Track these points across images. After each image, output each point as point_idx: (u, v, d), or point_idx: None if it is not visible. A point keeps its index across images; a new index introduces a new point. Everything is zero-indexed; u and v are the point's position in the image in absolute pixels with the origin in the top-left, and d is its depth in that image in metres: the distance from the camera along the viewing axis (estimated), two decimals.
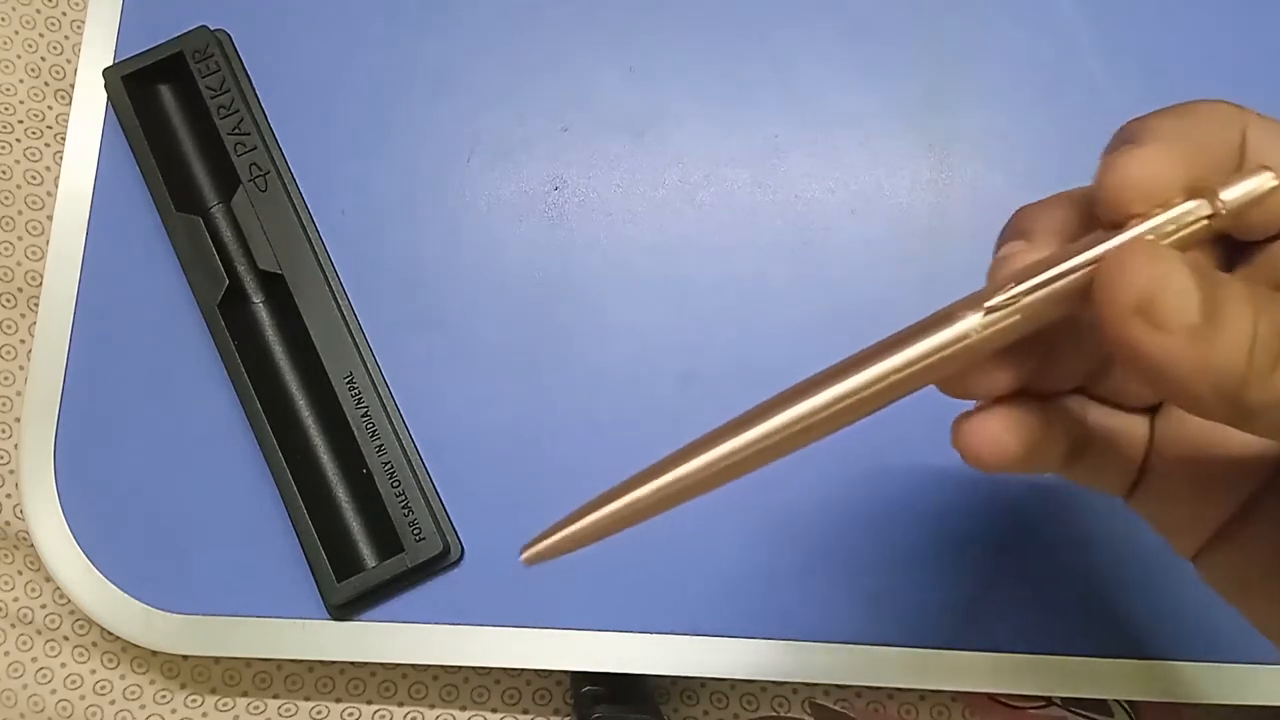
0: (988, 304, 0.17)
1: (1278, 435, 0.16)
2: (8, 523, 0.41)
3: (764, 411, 0.18)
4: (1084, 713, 0.39)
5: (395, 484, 0.35)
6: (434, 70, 0.38)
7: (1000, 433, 0.19)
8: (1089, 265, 0.17)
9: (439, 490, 0.36)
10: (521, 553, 0.18)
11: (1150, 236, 0.17)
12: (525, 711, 0.41)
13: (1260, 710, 0.35)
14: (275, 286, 0.37)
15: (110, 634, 0.37)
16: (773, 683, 0.41)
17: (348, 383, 0.35)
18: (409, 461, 0.35)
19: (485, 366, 0.36)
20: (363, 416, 0.35)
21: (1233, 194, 0.17)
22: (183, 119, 0.39)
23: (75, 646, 0.40)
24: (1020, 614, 0.35)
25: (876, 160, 0.37)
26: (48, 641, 0.40)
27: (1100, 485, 0.22)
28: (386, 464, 0.35)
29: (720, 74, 0.38)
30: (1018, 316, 0.17)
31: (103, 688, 0.39)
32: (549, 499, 0.35)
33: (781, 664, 0.34)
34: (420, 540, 0.34)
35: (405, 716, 0.40)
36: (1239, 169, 0.17)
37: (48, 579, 0.40)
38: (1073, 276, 0.17)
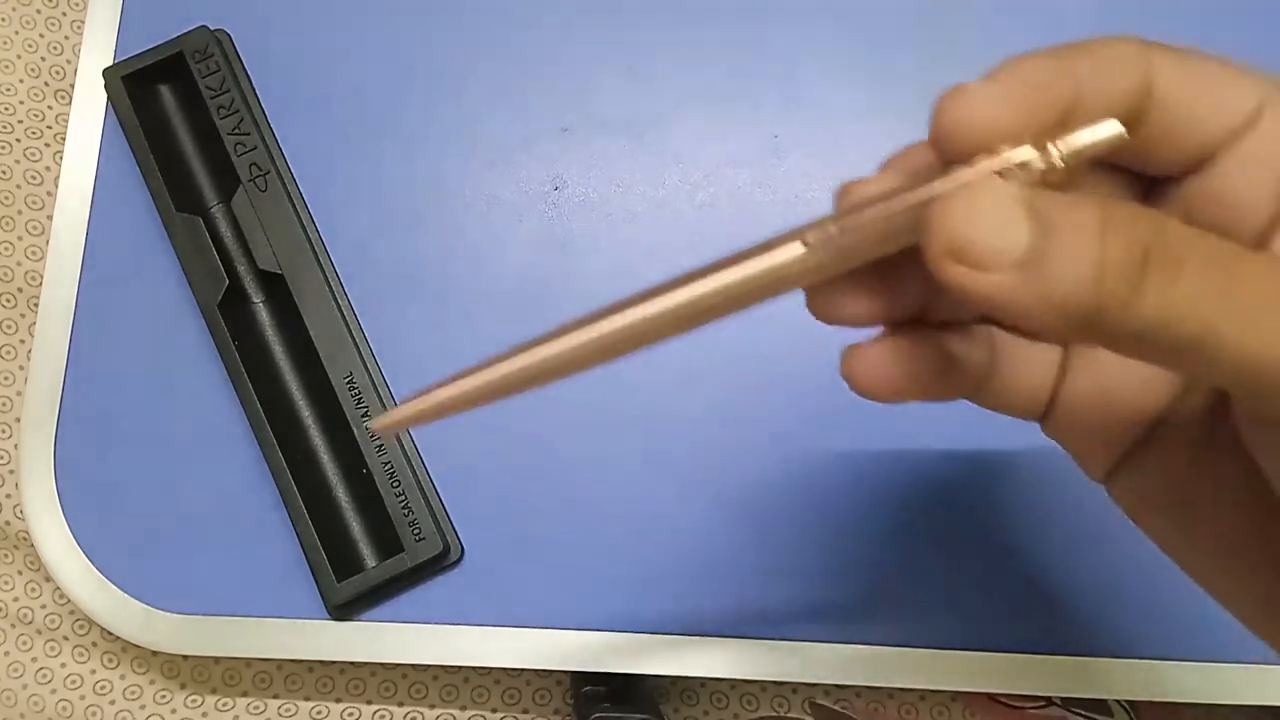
0: (805, 238, 0.17)
1: (1157, 359, 0.15)
2: (8, 523, 0.41)
3: (593, 319, 0.19)
4: (1084, 713, 0.39)
5: (395, 484, 0.35)
6: (434, 70, 0.38)
7: (883, 362, 0.19)
8: (910, 205, 0.16)
9: (439, 490, 0.36)
10: (370, 423, 0.18)
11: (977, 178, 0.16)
12: (525, 711, 0.41)
13: (1260, 710, 0.35)
14: (275, 286, 0.37)
15: (110, 634, 0.37)
16: (773, 683, 0.41)
17: (348, 383, 0.35)
18: (409, 461, 0.35)
19: None
20: (363, 416, 0.35)
21: (1072, 144, 0.16)
22: (183, 119, 0.39)
23: (75, 646, 0.40)
24: (1020, 614, 0.35)
25: (876, 160, 0.37)
26: (48, 641, 0.40)
27: (1012, 411, 0.21)
28: (386, 464, 0.35)
29: (720, 74, 0.38)
30: (836, 250, 0.17)
31: (103, 688, 0.39)
32: (549, 499, 0.35)
33: (781, 664, 0.34)
34: (420, 540, 0.34)
35: (405, 716, 0.40)
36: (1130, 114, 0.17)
37: (48, 579, 0.40)
38: (892, 214, 0.16)
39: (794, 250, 0.17)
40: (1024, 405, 0.21)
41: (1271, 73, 0.17)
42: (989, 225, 0.15)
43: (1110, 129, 0.16)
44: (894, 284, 0.19)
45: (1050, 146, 0.16)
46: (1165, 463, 0.20)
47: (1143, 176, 0.18)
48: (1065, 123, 0.16)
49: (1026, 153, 0.16)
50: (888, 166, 0.19)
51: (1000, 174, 0.16)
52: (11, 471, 0.41)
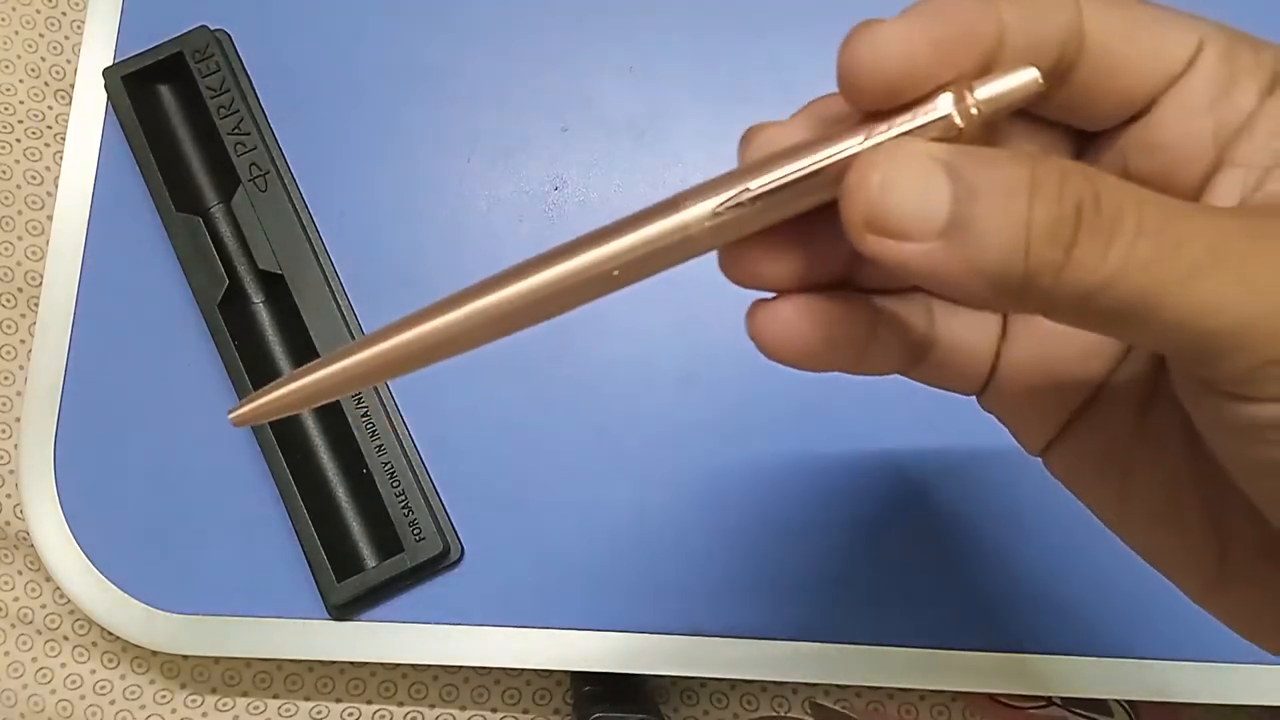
0: (710, 198, 0.15)
1: (1093, 326, 0.14)
2: (8, 523, 0.41)
3: (465, 296, 0.17)
4: (1084, 713, 0.39)
5: (395, 484, 0.35)
6: (434, 70, 0.38)
7: (796, 321, 0.17)
8: (822, 165, 0.15)
9: (439, 490, 0.36)
10: (230, 414, 0.17)
11: (893, 134, 0.15)
12: (525, 711, 0.41)
13: (1260, 710, 0.35)
14: (275, 286, 0.37)
15: (110, 634, 0.37)
16: (773, 683, 0.41)
17: None
18: (409, 461, 0.35)
19: (485, 366, 0.36)
20: (363, 416, 0.35)
21: (988, 93, 0.15)
22: (183, 119, 0.39)
23: (75, 646, 0.40)
24: (1020, 614, 0.35)
25: None
26: (48, 641, 0.40)
27: (947, 386, 0.20)
28: (386, 464, 0.35)
29: (720, 74, 0.38)
30: (744, 212, 0.15)
31: (103, 688, 0.39)
32: (549, 499, 0.35)
33: (781, 664, 0.34)
34: (420, 540, 0.34)
35: (405, 716, 0.40)
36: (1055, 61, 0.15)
37: (48, 579, 0.40)
38: (804, 172, 0.15)
39: (700, 210, 0.15)
40: (963, 379, 0.20)
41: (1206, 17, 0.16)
42: (907, 192, 0.14)
43: (1026, 76, 0.15)
44: (815, 242, 0.17)
45: (968, 95, 0.15)
46: (1104, 430, 0.19)
47: (1075, 132, 0.17)
48: (986, 70, 0.15)
49: (945, 104, 0.15)
50: (800, 114, 0.18)
51: (917, 131, 0.15)
52: (11, 471, 0.41)
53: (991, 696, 0.40)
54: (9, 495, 0.41)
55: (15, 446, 0.41)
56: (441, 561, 0.35)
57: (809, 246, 0.17)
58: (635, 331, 0.36)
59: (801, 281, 0.17)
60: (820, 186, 0.15)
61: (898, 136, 0.15)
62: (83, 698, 0.39)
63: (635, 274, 0.16)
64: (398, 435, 0.35)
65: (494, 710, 0.40)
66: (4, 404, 0.41)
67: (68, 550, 0.36)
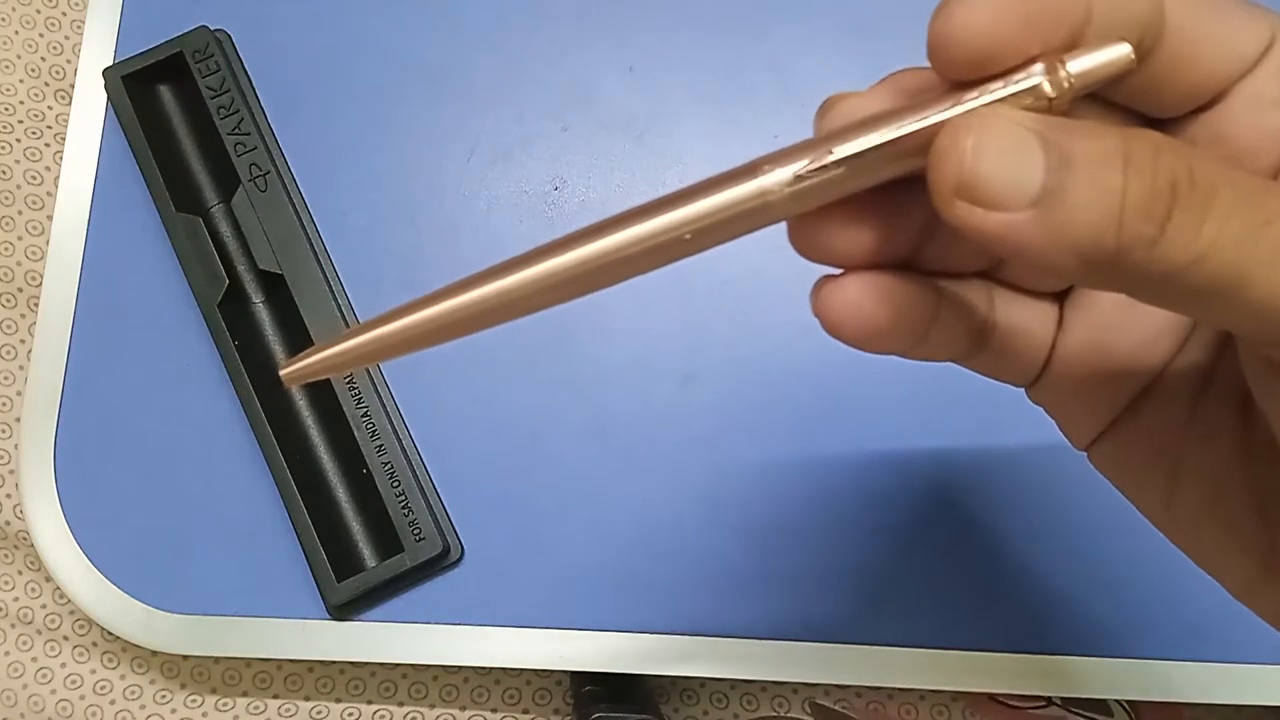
0: (796, 170, 0.15)
1: (1178, 305, 0.14)
2: (8, 523, 0.41)
3: (535, 256, 0.16)
4: (1084, 713, 0.39)
5: (395, 484, 0.35)
6: (434, 70, 0.38)
7: (864, 298, 0.17)
8: (911, 132, 0.15)
9: (439, 490, 0.36)
10: (281, 370, 0.16)
11: (985, 101, 0.15)
12: (525, 711, 0.41)
13: (1260, 710, 0.35)
14: (275, 286, 0.37)
15: (110, 634, 0.37)
16: (773, 683, 0.41)
17: (348, 383, 0.35)
18: (409, 461, 0.35)
19: (485, 366, 0.36)
20: (363, 416, 0.35)
21: (1082, 65, 0.14)
22: (183, 119, 0.39)
23: (75, 646, 0.40)
24: (1020, 614, 0.35)
25: None
26: (48, 641, 0.40)
27: (1002, 376, 0.20)
28: (386, 464, 0.35)
29: (720, 74, 0.38)
30: (825, 180, 0.15)
31: (103, 688, 0.39)
32: (549, 499, 0.35)
33: (781, 664, 0.34)
34: (420, 540, 0.34)
35: (405, 716, 0.40)
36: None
37: (48, 579, 0.40)
38: (890, 141, 0.15)
39: (781, 175, 0.15)
40: (1018, 369, 0.20)
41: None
42: (1000, 158, 0.13)
43: (1119, 51, 0.14)
44: (886, 218, 0.17)
45: (1059, 68, 0.14)
46: (1155, 422, 0.19)
47: (1138, 118, 0.17)
48: (1073, 44, 0.15)
49: (1037, 74, 0.14)
50: (881, 85, 0.17)
51: (1008, 100, 0.15)
52: (11, 471, 0.41)
53: (991, 696, 0.40)
54: (9, 495, 0.41)
55: (15, 446, 0.41)
56: (441, 561, 0.35)
57: (880, 222, 0.17)
58: (635, 331, 0.36)
59: (870, 258, 0.17)
60: (906, 154, 0.15)
61: (990, 104, 0.15)
62: (83, 698, 0.39)
63: (709, 240, 0.15)
64: (398, 435, 0.35)
65: (494, 710, 0.40)
66: (4, 404, 0.41)
67: (68, 550, 0.36)
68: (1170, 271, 0.13)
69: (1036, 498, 0.35)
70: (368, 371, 0.36)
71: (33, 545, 0.37)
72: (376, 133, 0.38)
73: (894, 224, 0.17)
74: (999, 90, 0.15)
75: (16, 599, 0.40)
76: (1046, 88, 0.14)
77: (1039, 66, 0.14)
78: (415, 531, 0.34)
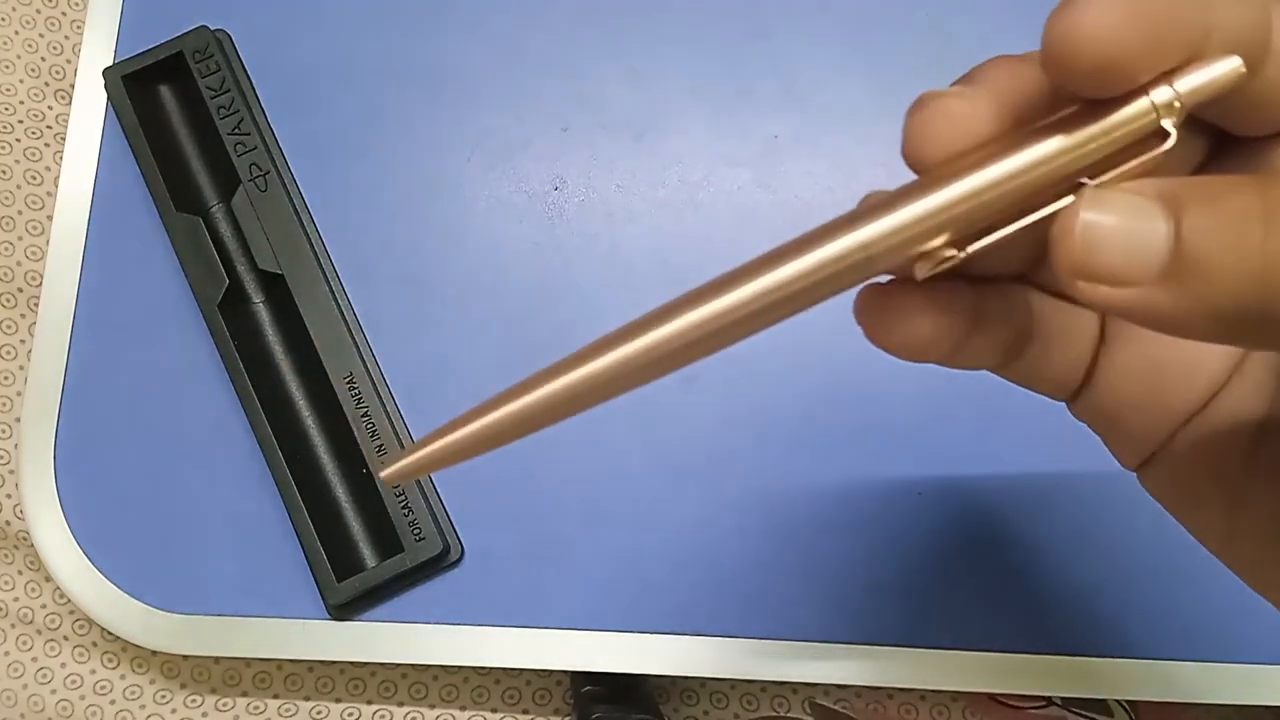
0: (922, 269, 0.14)
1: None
2: (8, 523, 0.41)
3: (628, 334, 0.16)
4: (1084, 713, 0.39)
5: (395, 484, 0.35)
6: (434, 70, 0.38)
7: (904, 307, 0.16)
8: (1022, 224, 0.14)
9: (439, 490, 0.36)
10: (381, 472, 0.16)
11: (1092, 184, 0.14)
12: (525, 711, 0.41)
13: (1260, 710, 0.35)
14: (275, 286, 0.37)
15: (110, 634, 0.37)
16: (773, 683, 0.41)
17: (348, 383, 0.35)
18: None
19: (485, 366, 0.36)
20: (363, 416, 0.35)
21: (1191, 83, 0.14)
22: (183, 119, 0.39)
23: (75, 646, 0.40)
24: (1020, 614, 0.35)
25: (876, 160, 0.37)
26: (48, 641, 0.40)
27: (1040, 388, 0.19)
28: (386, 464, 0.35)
29: (720, 74, 0.38)
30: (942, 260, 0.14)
31: (103, 688, 0.39)
32: (549, 499, 0.35)
33: (781, 664, 0.34)
34: (420, 540, 0.34)
35: (405, 716, 0.40)
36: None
37: (48, 579, 0.40)
38: (1007, 232, 0.14)
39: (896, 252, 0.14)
40: (1057, 381, 0.19)
41: None
42: (1119, 235, 0.13)
43: (1229, 65, 0.14)
44: None
45: (1169, 90, 0.14)
46: (1210, 452, 0.18)
47: (1211, 131, 0.16)
48: (1190, 60, 0.14)
49: (1165, 94, 0.13)
50: (981, 90, 0.15)
51: (1125, 132, 0.14)
52: (11, 471, 0.41)
53: (991, 696, 0.40)
54: (9, 495, 0.41)
55: (15, 446, 0.41)
56: (441, 561, 0.35)
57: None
58: None
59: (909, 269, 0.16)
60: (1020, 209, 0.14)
61: (1106, 181, 0.14)
62: (83, 698, 0.39)
63: (813, 298, 0.15)
64: (398, 435, 0.35)
65: (494, 710, 0.40)
66: (4, 404, 0.41)
67: (68, 550, 0.36)
68: None
69: (1037, 498, 0.35)
70: (367, 371, 0.36)
71: (33, 545, 0.37)
72: (376, 133, 0.38)
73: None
74: (1115, 118, 0.14)
75: (16, 599, 0.40)
76: (1159, 113, 0.14)
77: (1146, 100, 0.14)
78: (415, 531, 0.34)
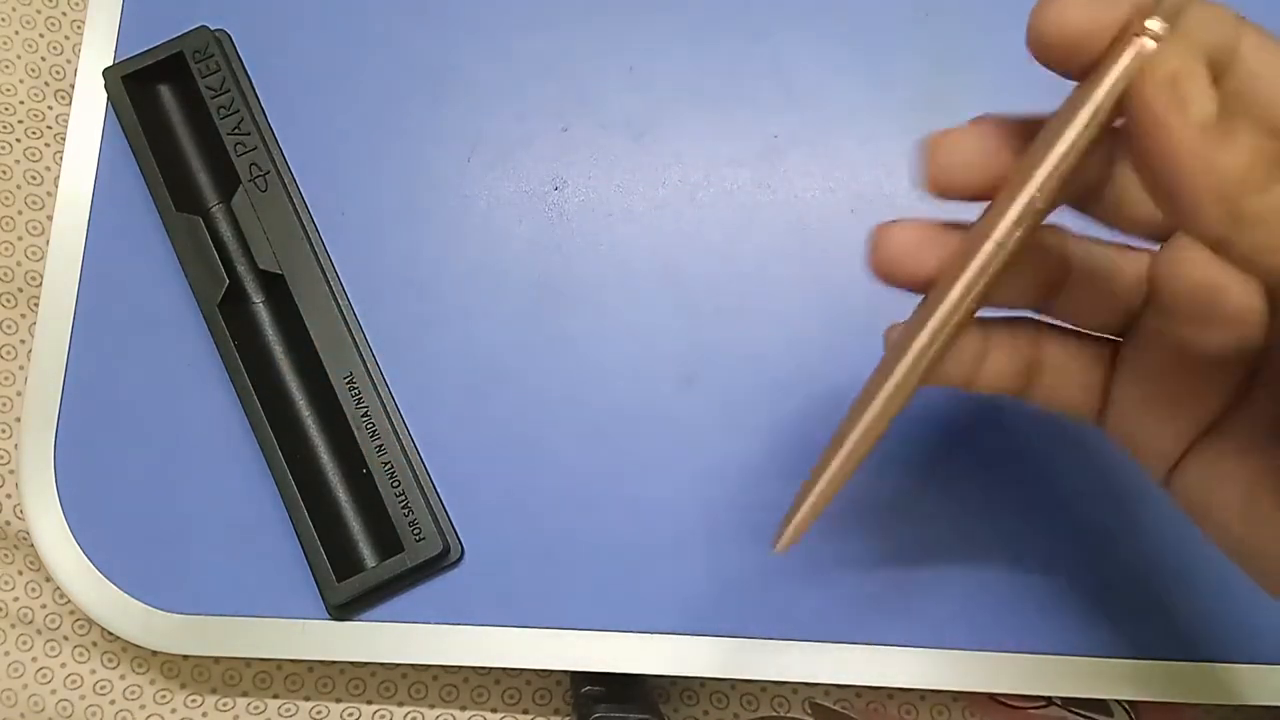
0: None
1: (1256, 260, 0.15)
2: (8, 523, 0.41)
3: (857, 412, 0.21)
4: (1084, 713, 0.39)
5: (395, 484, 0.35)
6: (434, 70, 0.38)
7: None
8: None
9: (439, 490, 0.36)
10: (774, 545, 0.22)
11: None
12: (525, 711, 0.41)
13: (1260, 710, 0.35)
14: (275, 286, 0.37)
15: (110, 634, 0.37)
16: (773, 683, 0.41)
17: (348, 383, 0.35)
18: (409, 461, 0.35)
19: (485, 366, 0.36)
20: (363, 416, 0.35)
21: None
22: (183, 119, 0.39)
23: (75, 646, 0.40)
24: (1020, 614, 0.35)
25: (876, 160, 0.37)
26: (48, 641, 0.40)
27: (1063, 409, 0.22)
28: (386, 464, 0.35)
29: (720, 74, 0.38)
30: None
31: (103, 688, 0.39)
32: (549, 499, 0.35)
33: (781, 664, 0.34)
34: (420, 540, 0.34)
35: (405, 716, 0.40)
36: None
37: (48, 579, 0.40)
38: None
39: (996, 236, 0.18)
40: (1073, 406, 0.22)
41: None
42: (1199, 81, 0.16)
43: None
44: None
45: (1147, 28, 0.16)
46: (1239, 452, 0.19)
47: None
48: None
49: (1134, 43, 0.17)
50: (983, 133, 0.20)
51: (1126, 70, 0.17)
52: (11, 471, 0.41)
53: (991, 696, 0.40)
54: (9, 495, 0.41)
55: (15, 446, 0.41)
56: (441, 561, 0.35)
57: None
58: (635, 331, 0.36)
59: (926, 273, 0.20)
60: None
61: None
62: (83, 698, 0.39)
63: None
64: (398, 435, 0.35)
65: (494, 710, 0.40)
66: (4, 404, 0.41)
67: (68, 550, 0.36)
68: None
69: (1037, 498, 0.35)
70: (367, 371, 0.36)
71: (33, 545, 0.37)
72: (376, 133, 0.38)
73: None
74: (1117, 69, 0.17)
75: (16, 599, 0.40)
76: (1150, 41, 0.16)
77: (1132, 49, 0.17)
78: (415, 531, 0.34)
